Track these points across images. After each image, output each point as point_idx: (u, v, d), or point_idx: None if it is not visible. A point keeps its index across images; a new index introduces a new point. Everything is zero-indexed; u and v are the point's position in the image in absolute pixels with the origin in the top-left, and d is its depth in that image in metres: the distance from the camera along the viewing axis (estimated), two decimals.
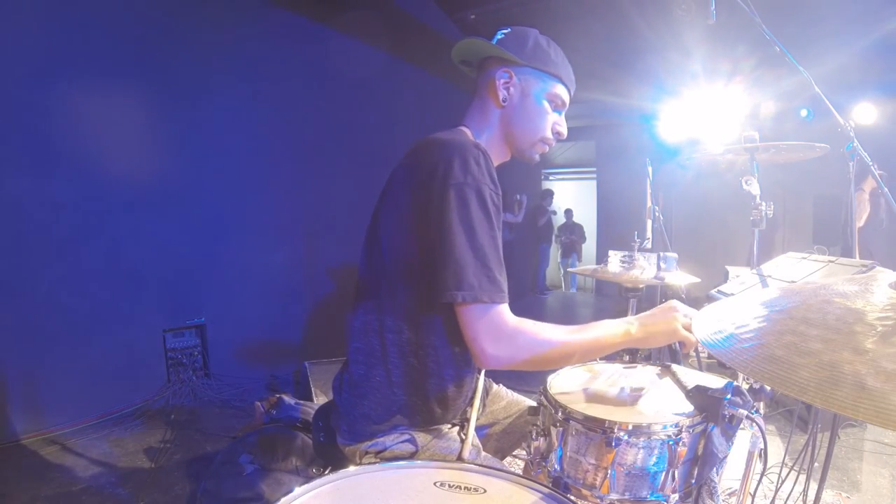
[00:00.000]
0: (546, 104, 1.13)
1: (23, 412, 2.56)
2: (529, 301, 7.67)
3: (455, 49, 1.16)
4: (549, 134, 1.14)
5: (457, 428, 1.11)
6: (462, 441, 1.06)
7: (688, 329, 1.01)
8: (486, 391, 1.34)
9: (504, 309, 0.94)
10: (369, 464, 1.02)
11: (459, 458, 1.02)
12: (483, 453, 1.09)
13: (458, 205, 0.91)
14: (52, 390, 2.65)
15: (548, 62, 1.12)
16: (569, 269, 8.13)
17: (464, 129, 1.12)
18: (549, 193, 8.58)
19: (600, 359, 1.36)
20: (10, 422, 2.52)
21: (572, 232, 8.87)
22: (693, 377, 1.16)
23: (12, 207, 2.50)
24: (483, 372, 1.25)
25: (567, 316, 7.10)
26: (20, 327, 2.54)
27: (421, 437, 1.04)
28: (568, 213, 8.95)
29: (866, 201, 3.61)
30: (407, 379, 1.02)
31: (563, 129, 1.17)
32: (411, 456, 1.02)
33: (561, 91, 1.14)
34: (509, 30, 1.15)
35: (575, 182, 9.98)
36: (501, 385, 1.41)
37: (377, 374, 1.02)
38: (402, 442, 1.03)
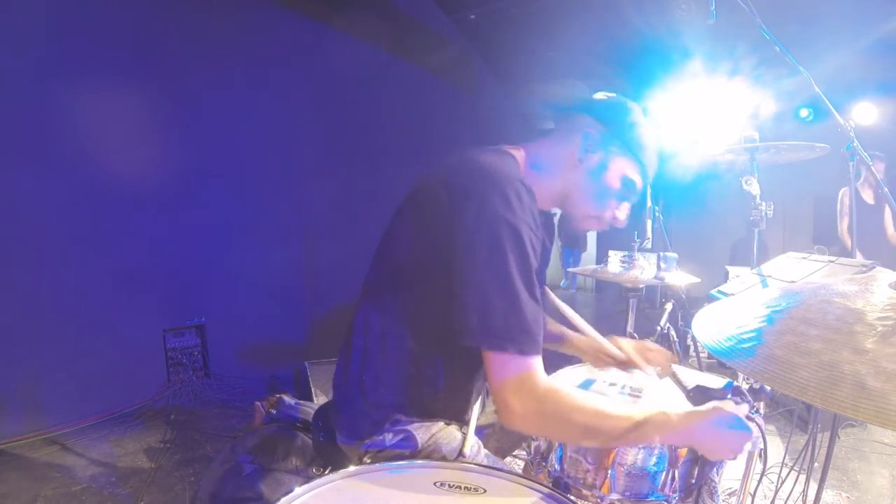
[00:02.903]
0: (618, 185, 1.05)
1: (23, 412, 2.56)
2: None
3: (552, 87, 1.11)
4: (606, 216, 1.07)
5: (455, 426, 1.11)
6: (463, 437, 1.06)
7: (744, 435, 0.89)
8: (487, 392, 1.34)
9: (536, 364, 0.84)
10: (369, 463, 1.02)
11: (460, 455, 1.02)
12: (483, 451, 1.09)
13: (492, 242, 0.83)
14: (52, 390, 2.64)
15: (639, 145, 1.05)
16: (569, 269, 8.07)
17: (517, 153, 1.04)
18: None
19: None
20: (10, 422, 2.52)
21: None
22: (693, 377, 1.16)
23: (12, 207, 2.50)
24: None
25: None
26: (20, 327, 2.54)
27: (420, 435, 1.04)
28: None
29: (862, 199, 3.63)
30: (406, 382, 1.01)
31: (623, 218, 1.08)
32: (411, 454, 1.02)
33: (638, 178, 1.06)
34: (615, 96, 1.09)
35: None
36: None
37: (376, 375, 1.02)
38: (402, 440, 1.03)
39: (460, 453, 1.02)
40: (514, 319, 0.82)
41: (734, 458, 0.90)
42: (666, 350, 1.27)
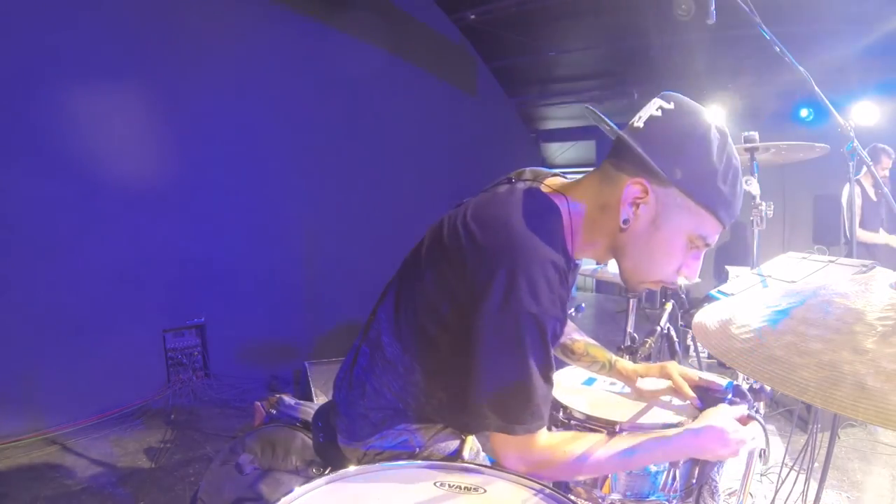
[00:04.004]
0: (682, 246, 0.82)
1: (23, 412, 2.56)
2: None
3: (590, 112, 0.94)
4: (670, 278, 0.86)
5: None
6: (462, 441, 1.06)
7: (739, 442, 0.87)
8: None
9: (537, 437, 0.83)
10: (369, 463, 1.02)
11: (460, 459, 1.02)
12: (482, 453, 1.09)
13: (513, 335, 0.76)
14: (52, 390, 2.64)
15: (710, 190, 0.78)
16: None
17: (559, 201, 0.86)
18: None
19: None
20: (10, 422, 2.51)
21: None
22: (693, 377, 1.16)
23: (12, 207, 2.50)
24: None
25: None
26: (20, 327, 2.54)
27: (420, 437, 1.04)
28: None
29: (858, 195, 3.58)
30: (411, 397, 1.00)
31: (694, 274, 0.85)
32: (411, 456, 1.02)
33: (712, 230, 0.81)
34: (671, 105, 0.79)
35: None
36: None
37: (380, 388, 1.00)
38: (402, 442, 1.03)
39: (460, 455, 1.02)
40: (525, 407, 0.80)
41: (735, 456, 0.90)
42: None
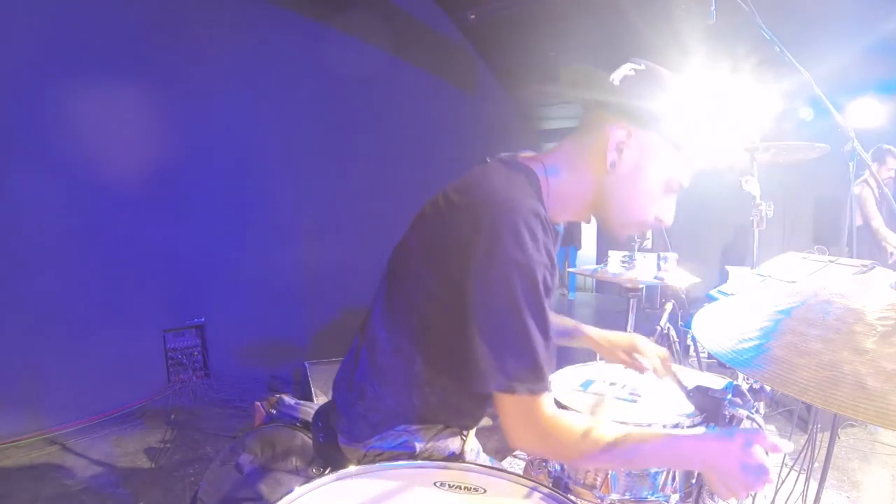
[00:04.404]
0: (661, 187, 0.89)
1: (23, 412, 2.56)
2: None
3: (568, 73, 0.98)
4: (650, 220, 0.92)
5: (456, 427, 1.10)
6: (463, 441, 1.06)
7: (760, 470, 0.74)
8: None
9: (542, 401, 0.82)
10: (370, 464, 1.02)
11: (460, 459, 1.02)
12: (483, 454, 1.09)
13: (504, 288, 0.77)
14: (52, 390, 2.64)
15: (682, 133, 0.88)
16: (568, 269, 7.77)
17: (534, 170, 0.90)
18: None
19: (600, 358, 1.37)
20: (10, 422, 2.52)
21: None
22: (693, 377, 1.16)
23: (12, 207, 2.50)
24: None
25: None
26: (20, 327, 2.54)
27: (420, 437, 1.03)
28: None
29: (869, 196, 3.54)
30: (412, 395, 0.98)
31: (668, 218, 0.92)
32: (411, 456, 1.02)
33: (686, 172, 0.90)
34: (643, 66, 0.88)
35: None
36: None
37: (381, 386, 0.99)
38: (402, 442, 1.03)
39: (460, 455, 1.02)
40: (525, 363, 0.80)
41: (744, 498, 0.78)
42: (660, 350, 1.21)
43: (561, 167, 0.91)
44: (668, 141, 0.87)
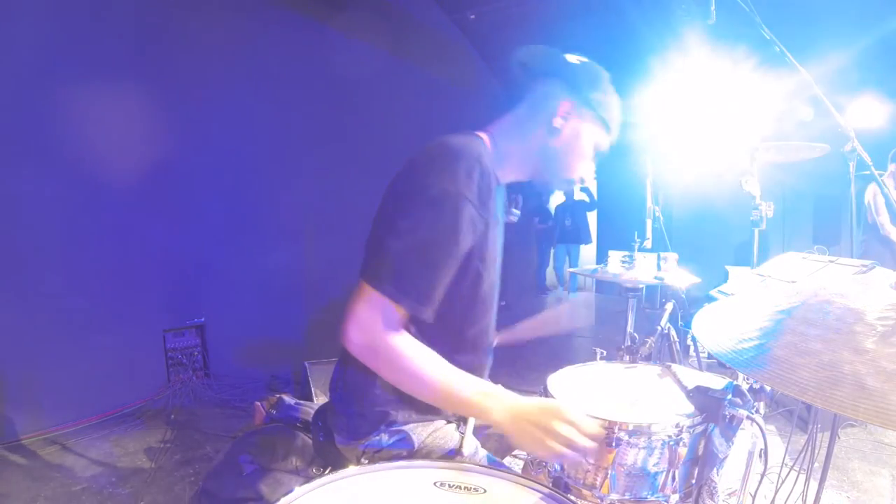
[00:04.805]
0: (591, 152, 1.10)
1: (23, 412, 2.56)
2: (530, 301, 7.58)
3: (525, 49, 1.10)
4: (577, 178, 1.12)
5: (453, 424, 1.11)
6: (461, 437, 1.06)
7: (572, 446, 0.80)
8: None
9: (397, 314, 0.88)
10: (369, 463, 1.02)
11: (458, 454, 1.02)
12: (481, 450, 1.09)
13: (427, 203, 0.87)
14: (52, 390, 2.64)
15: (610, 112, 1.09)
16: (568, 269, 7.32)
17: (481, 136, 1.05)
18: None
19: (601, 358, 1.37)
20: (10, 422, 2.52)
21: (573, 213, 7.10)
22: (693, 377, 1.16)
23: (12, 207, 2.50)
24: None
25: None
26: (20, 327, 2.54)
27: (418, 435, 1.04)
28: (567, 190, 7.31)
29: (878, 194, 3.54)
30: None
31: (591, 175, 1.16)
32: (409, 453, 1.02)
33: (606, 143, 1.12)
34: (587, 61, 1.09)
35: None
36: (500, 385, 1.40)
37: (369, 376, 1.01)
38: (400, 440, 1.03)
39: (458, 452, 1.02)
40: (409, 271, 0.86)
41: (552, 459, 0.94)
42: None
43: (509, 131, 1.08)
44: (599, 119, 1.07)
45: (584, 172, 1.12)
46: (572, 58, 1.08)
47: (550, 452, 0.81)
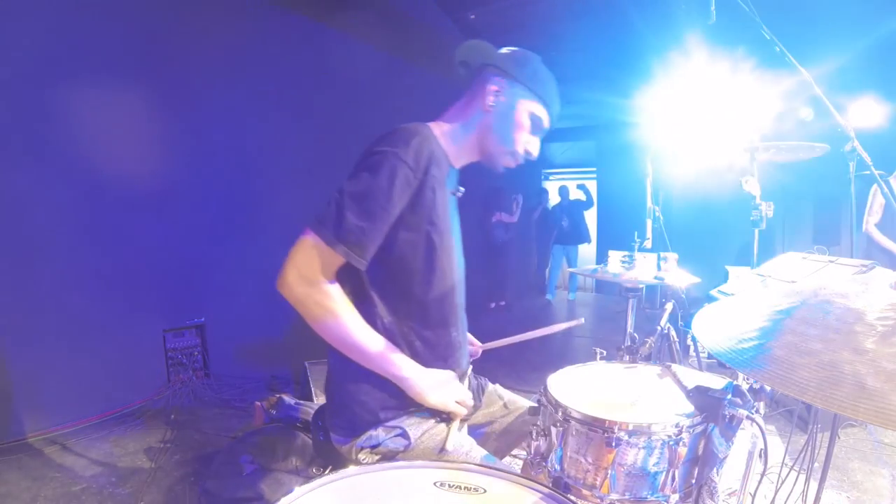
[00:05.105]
0: (526, 122, 1.17)
1: (23, 412, 2.56)
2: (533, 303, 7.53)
3: (462, 47, 1.19)
4: (520, 150, 1.19)
5: (444, 424, 1.11)
6: (447, 430, 1.07)
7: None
8: (482, 389, 1.34)
9: (333, 261, 0.98)
10: (368, 463, 1.02)
11: (443, 450, 1.03)
12: (477, 449, 1.09)
13: (368, 165, 0.99)
14: (52, 390, 2.64)
15: (540, 86, 1.18)
16: (568, 269, 7.23)
17: (438, 123, 1.18)
18: (544, 192, 7.92)
19: (601, 358, 1.37)
20: (10, 422, 2.52)
21: (570, 214, 7.01)
22: (693, 377, 1.16)
23: (12, 207, 2.50)
24: (471, 368, 1.26)
25: (566, 316, 6.98)
26: (20, 327, 2.54)
27: (413, 432, 1.05)
28: (563, 190, 7.15)
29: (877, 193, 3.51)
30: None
31: (534, 151, 1.21)
32: (404, 450, 1.03)
33: (543, 114, 1.19)
34: (516, 49, 1.20)
35: (575, 182, 9.90)
36: (498, 385, 1.41)
37: (357, 370, 1.04)
38: (395, 436, 1.04)
39: (443, 449, 1.03)
40: (347, 220, 0.96)
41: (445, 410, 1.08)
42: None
43: (453, 118, 1.19)
44: (531, 90, 1.16)
45: (527, 144, 1.19)
46: (504, 49, 1.21)
47: (441, 401, 1.05)
